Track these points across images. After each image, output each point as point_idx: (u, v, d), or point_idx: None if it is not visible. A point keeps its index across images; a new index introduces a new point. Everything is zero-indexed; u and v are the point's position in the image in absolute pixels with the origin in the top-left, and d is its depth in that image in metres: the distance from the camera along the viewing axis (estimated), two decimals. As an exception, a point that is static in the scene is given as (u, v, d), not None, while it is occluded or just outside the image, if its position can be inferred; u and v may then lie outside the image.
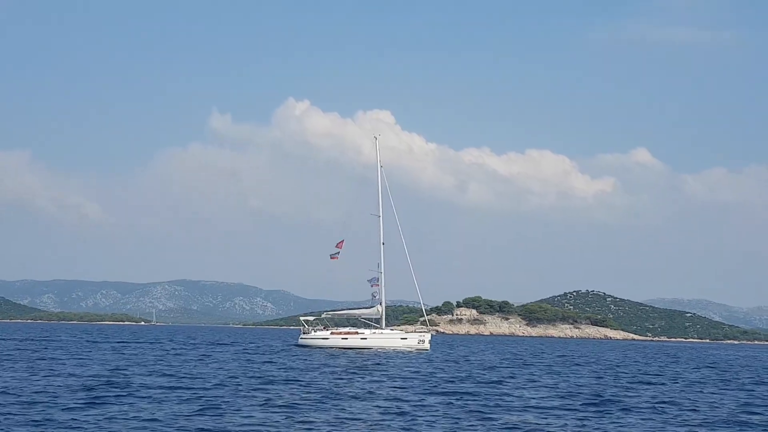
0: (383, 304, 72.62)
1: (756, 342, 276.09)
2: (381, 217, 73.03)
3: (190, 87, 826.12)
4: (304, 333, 73.09)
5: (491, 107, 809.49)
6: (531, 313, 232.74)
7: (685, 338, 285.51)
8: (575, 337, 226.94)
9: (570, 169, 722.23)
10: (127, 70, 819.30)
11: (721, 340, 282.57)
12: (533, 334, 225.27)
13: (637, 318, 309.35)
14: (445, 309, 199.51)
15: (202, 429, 19.50)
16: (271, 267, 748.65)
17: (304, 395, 27.28)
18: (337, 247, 71.60)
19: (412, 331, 79.75)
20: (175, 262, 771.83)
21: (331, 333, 71.50)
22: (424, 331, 75.28)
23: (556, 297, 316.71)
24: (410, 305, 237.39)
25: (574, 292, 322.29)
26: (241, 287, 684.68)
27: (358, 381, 34.11)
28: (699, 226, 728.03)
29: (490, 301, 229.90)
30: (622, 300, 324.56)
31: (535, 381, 37.78)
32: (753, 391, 37.04)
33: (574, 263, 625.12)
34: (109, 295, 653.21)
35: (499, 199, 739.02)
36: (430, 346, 73.19)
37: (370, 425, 20.80)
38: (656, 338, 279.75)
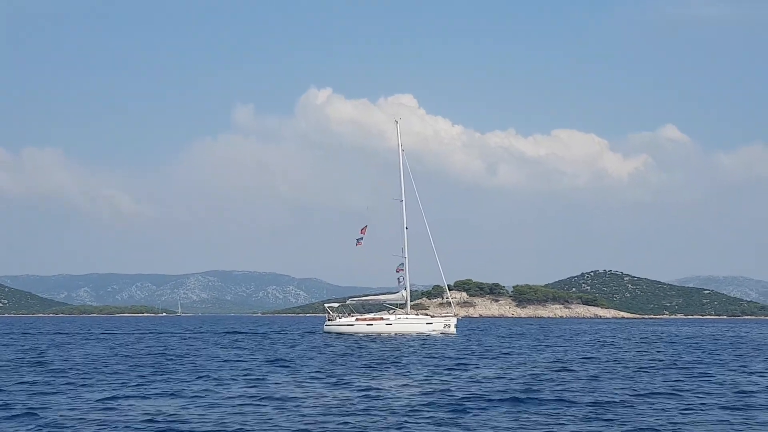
0: (408, 289, 71.77)
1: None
2: (404, 202, 71.96)
3: (214, 80, 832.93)
4: (329, 320, 72.44)
5: (514, 89, 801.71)
6: (521, 294, 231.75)
7: (702, 315, 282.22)
8: (565, 316, 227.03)
9: (601, 148, 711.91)
10: (151, 64, 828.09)
11: (739, 316, 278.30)
12: (522, 315, 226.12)
13: (654, 296, 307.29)
14: (435, 293, 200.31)
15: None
16: (303, 255, 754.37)
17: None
18: (360, 233, 71.15)
19: (437, 315, 79.72)
20: (208, 252, 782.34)
21: (356, 319, 70.79)
22: (450, 315, 74.20)
23: (573, 278, 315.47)
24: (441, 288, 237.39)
25: (591, 272, 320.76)
26: (273, 276, 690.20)
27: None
28: (736, 203, 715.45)
29: (481, 283, 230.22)
30: (639, 279, 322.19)
31: None
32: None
33: (606, 243, 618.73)
34: (144, 287, 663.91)
35: (529, 181, 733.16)
36: (456, 330, 71.73)
37: None
38: (673, 316, 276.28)
